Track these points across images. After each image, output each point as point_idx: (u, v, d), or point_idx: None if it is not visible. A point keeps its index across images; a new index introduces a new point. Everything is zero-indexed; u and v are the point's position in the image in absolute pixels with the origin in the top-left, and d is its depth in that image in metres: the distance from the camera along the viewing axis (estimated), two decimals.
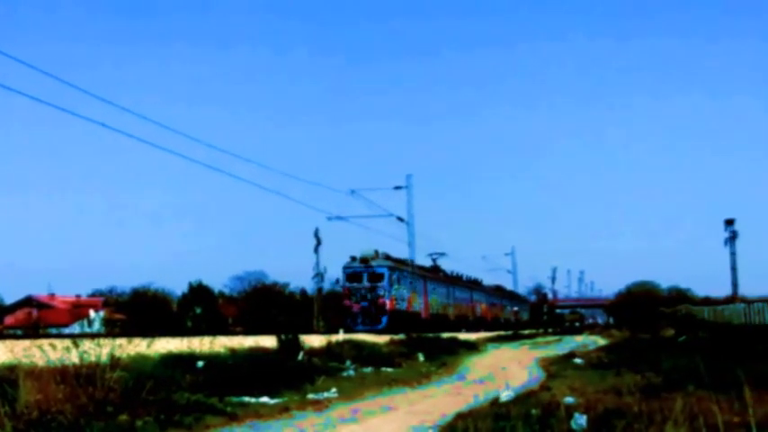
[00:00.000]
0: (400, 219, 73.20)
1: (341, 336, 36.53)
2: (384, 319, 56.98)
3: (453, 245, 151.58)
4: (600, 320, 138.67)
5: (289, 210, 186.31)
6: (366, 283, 58.25)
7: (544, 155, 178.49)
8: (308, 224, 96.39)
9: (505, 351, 47.72)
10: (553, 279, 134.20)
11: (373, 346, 34.16)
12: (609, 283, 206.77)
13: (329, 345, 30.86)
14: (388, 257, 60.70)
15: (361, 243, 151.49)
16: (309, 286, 70.06)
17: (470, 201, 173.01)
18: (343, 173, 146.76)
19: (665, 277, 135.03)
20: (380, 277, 58.26)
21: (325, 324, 58.73)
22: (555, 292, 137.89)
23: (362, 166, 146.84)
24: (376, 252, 59.92)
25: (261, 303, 69.20)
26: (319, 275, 64.41)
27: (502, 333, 71.76)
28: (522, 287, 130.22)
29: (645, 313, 77.85)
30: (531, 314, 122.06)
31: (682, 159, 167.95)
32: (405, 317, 59.10)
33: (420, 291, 65.87)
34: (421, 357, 33.97)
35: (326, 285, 69.50)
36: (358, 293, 58.18)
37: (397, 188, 75.78)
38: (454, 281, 79.93)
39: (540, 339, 67.22)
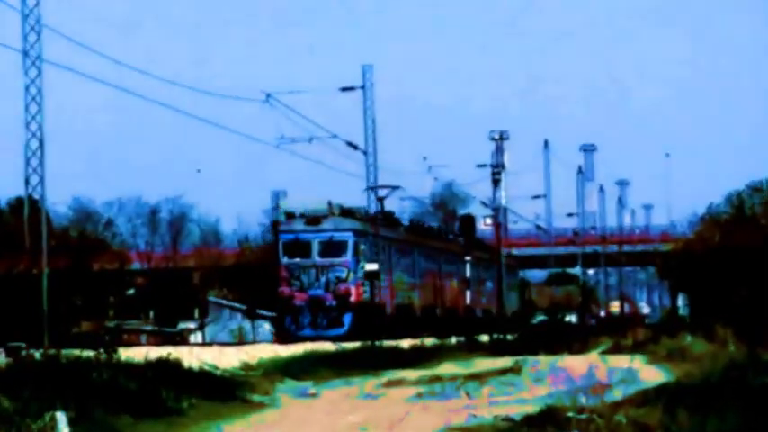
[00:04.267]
0: (352, 145, 60.15)
1: None
2: (347, 319, 51.76)
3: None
4: (646, 309, 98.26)
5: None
6: (317, 259, 52.89)
7: None
8: None
9: (342, 405, 25.85)
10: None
11: None
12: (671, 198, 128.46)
13: None
14: (348, 212, 54.72)
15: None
16: None
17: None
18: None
19: None
20: (341, 247, 52.83)
21: None
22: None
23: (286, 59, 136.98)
24: (330, 206, 53.48)
25: None
26: None
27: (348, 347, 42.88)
28: None
29: None
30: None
31: None
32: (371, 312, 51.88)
33: (389, 264, 58.34)
34: None
35: None
36: (303, 276, 52.73)
37: (347, 89, 64.10)
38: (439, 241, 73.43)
39: (446, 364, 39.43)
